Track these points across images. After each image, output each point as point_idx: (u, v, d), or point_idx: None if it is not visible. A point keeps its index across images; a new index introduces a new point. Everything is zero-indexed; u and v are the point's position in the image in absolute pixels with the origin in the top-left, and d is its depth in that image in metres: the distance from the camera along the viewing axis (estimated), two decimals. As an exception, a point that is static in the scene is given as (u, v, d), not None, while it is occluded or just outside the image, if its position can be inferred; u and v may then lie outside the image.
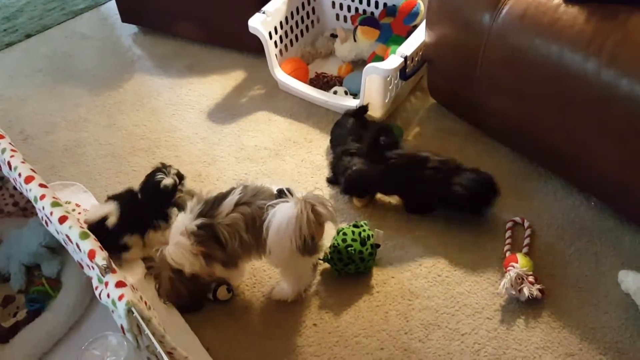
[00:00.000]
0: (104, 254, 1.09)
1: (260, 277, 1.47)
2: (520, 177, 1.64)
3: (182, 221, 1.29)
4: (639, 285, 1.29)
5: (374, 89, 1.72)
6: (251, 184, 1.32)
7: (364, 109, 1.73)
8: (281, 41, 1.98)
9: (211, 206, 1.28)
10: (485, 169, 1.63)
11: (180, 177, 1.54)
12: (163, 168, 1.53)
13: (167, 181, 1.49)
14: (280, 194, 1.26)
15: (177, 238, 1.28)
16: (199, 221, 1.27)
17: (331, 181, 1.69)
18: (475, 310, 1.36)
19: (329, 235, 1.45)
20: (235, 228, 1.26)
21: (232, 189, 1.30)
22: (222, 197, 1.29)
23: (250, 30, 1.87)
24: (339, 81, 1.98)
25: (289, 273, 1.37)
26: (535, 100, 1.50)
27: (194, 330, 1.37)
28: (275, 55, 1.94)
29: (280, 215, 1.20)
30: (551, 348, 1.28)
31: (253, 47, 1.95)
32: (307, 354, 1.31)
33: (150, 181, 1.51)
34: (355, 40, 1.98)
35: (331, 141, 1.76)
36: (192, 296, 1.34)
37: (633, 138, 1.32)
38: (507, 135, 1.69)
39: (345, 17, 2.13)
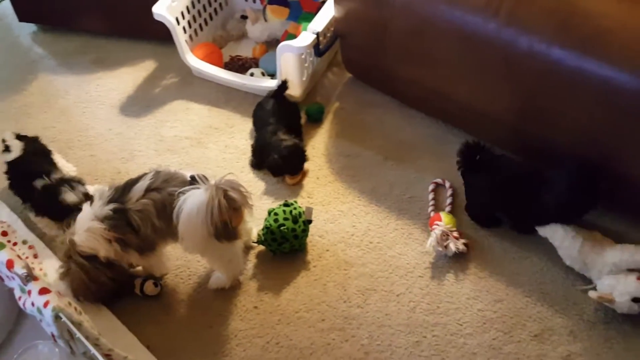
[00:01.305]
0: (23, 262, 1.04)
1: (195, 268, 1.46)
2: (438, 140, 1.71)
3: (90, 210, 1.27)
4: (555, 229, 1.39)
5: (290, 68, 1.73)
6: (164, 169, 1.30)
7: (283, 86, 1.74)
8: (190, 26, 1.94)
9: (121, 192, 1.27)
10: (405, 136, 1.71)
11: (88, 197, 1.45)
12: (70, 182, 1.48)
13: (69, 197, 1.44)
14: (193, 180, 1.24)
15: (87, 224, 1.26)
16: (111, 206, 1.25)
17: (255, 165, 1.69)
18: (408, 270, 1.42)
19: (259, 219, 1.47)
20: (146, 214, 1.25)
21: (144, 174, 1.29)
22: (132, 182, 1.28)
23: (156, 17, 1.82)
24: (254, 63, 1.97)
25: (213, 261, 1.37)
26: (445, 66, 1.57)
27: (132, 330, 1.34)
28: (186, 41, 1.89)
29: (191, 202, 1.19)
30: (480, 297, 1.36)
31: (161, 34, 1.90)
32: (250, 337, 1.33)
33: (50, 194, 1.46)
34: (266, 20, 1.98)
35: (254, 124, 1.75)
36: (111, 283, 1.32)
37: (537, 94, 1.42)
38: (422, 102, 1.75)
39: (255, -2, 2.12)
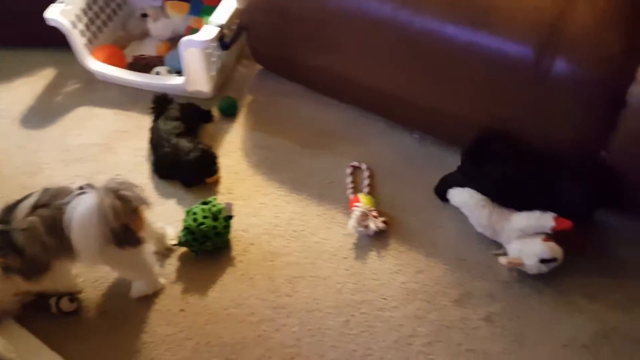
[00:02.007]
0: None
1: (115, 278, 1.41)
2: (353, 125, 1.75)
3: None
4: (464, 198, 1.47)
5: (195, 64, 1.71)
6: (54, 185, 1.23)
7: (163, 98, 1.69)
8: (87, 29, 1.86)
9: (6, 213, 1.19)
10: (320, 124, 1.74)
11: None
12: None
13: None
14: (82, 189, 1.18)
15: None
16: None
17: (165, 176, 1.63)
18: (332, 254, 1.45)
19: (178, 220, 1.45)
20: (32, 232, 1.16)
21: (31, 193, 1.21)
22: (18, 202, 1.20)
23: (49, 22, 1.74)
24: (159, 61, 1.92)
25: (122, 270, 1.34)
26: (349, 51, 1.60)
27: (56, 349, 1.29)
28: (84, 44, 1.82)
29: (80, 209, 1.13)
30: (402, 270, 1.42)
31: (58, 40, 1.81)
32: (179, 340, 1.31)
33: None
34: (167, 17, 1.94)
35: (151, 140, 1.67)
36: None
37: (437, 70, 1.49)
38: (333, 89, 1.78)
39: (153, -6, 2.06)
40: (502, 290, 1.37)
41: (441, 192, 1.55)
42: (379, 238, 1.48)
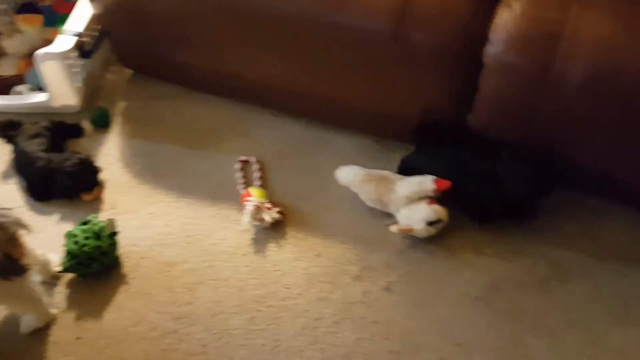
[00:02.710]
0: None
1: (1, 316, 1.33)
2: (235, 119, 1.73)
3: None
4: (352, 177, 1.51)
5: (56, 77, 1.61)
6: None
7: (9, 124, 1.61)
8: None
9: None
10: (202, 122, 1.72)
11: None
12: None
13: None
14: None
15: None
16: None
17: (40, 195, 1.54)
18: (231, 253, 1.44)
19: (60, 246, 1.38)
20: None
21: None
22: None
23: None
24: (20, 80, 1.79)
25: (8, 303, 1.26)
26: (216, 45, 1.59)
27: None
28: None
29: None
30: (302, 257, 1.44)
31: None
32: (79, 370, 1.26)
33: None
34: (20, 32, 1.81)
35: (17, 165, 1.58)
36: None
37: (305, 55, 1.50)
38: (210, 84, 1.75)
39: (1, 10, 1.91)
40: (398, 259, 1.43)
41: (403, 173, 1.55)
42: (276, 229, 1.49)
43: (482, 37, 1.31)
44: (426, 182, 1.45)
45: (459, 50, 1.32)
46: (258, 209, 1.47)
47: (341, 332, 1.31)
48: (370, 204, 1.50)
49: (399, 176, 1.51)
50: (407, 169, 1.51)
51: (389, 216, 1.49)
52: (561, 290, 1.36)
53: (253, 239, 1.47)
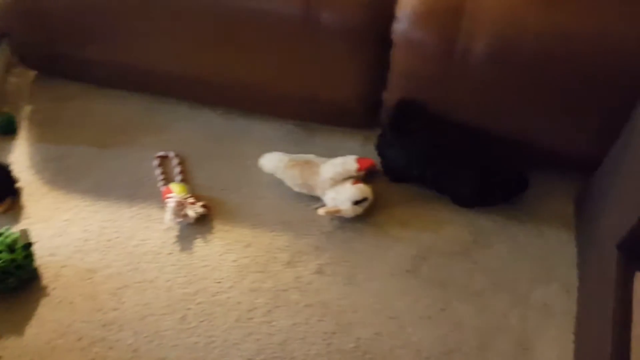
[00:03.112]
0: None
1: None
2: (151, 114, 1.68)
3: None
4: (276, 163, 1.50)
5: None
6: None
7: None
8: None
9: None
10: (116, 119, 1.66)
11: None
12: None
13: None
14: None
15: None
16: None
17: None
18: (156, 253, 1.41)
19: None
20: None
21: None
22: None
23: None
24: None
25: None
26: (122, 37, 1.53)
27: None
28: None
29: None
30: (232, 248, 1.42)
31: None
32: (2, 392, 1.20)
33: None
34: None
35: None
36: None
37: (219, 42, 1.48)
38: (119, 80, 1.69)
39: None
40: (328, 241, 1.44)
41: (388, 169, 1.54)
42: (202, 223, 1.46)
43: (389, 15, 1.33)
44: (349, 162, 1.47)
45: (368, 29, 1.34)
46: (180, 205, 1.44)
47: (276, 320, 1.31)
48: (296, 189, 1.50)
49: (322, 159, 1.52)
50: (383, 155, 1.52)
51: (316, 200, 1.50)
52: (484, 254, 1.42)
53: (178, 237, 1.44)
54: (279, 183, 1.52)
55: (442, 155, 1.45)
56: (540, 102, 1.34)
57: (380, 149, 1.53)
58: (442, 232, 1.46)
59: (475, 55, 1.27)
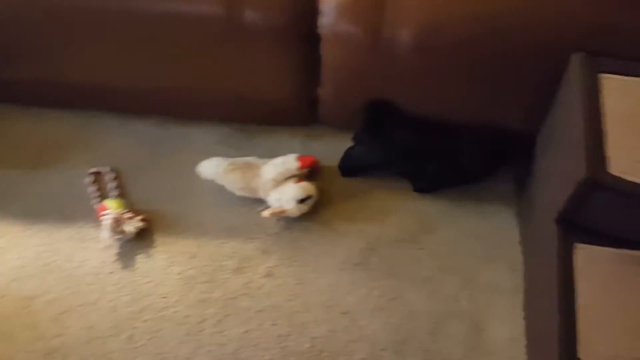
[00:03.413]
0: None
1: None
2: (80, 130, 1.62)
3: None
4: (214, 169, 1.47)
5: None
6: None
7: None
8: None
9: None
10: (41, 140, 1.59)
11: None
12: None
13: None
14: None
15: None
16: None
17: None
18: (96, 274, 1.36)
19: None
20: None
21: None
22: None
23: None
24: None
25: None
26: (38, 51, 1.47)
27: None
28: None
29: None
30: (176, 261, 1.39)
31: None
32: None
33: None
34: None
35: None
36: None
37: (144, 49, 1.43)
38: (41, 97, 1.62)
39: None
40: (275, 242, 1.43)
41: (346, 167, 1.53)
42: (143, 238, 1.42)
43: (313, 10, 1.33)
44: (290, 161, 1.46)
45: (293, 25, 1.33)
46: (117, 221, 1.39)
47: (227, 330, 1.29)
48: (239, 193, 1.48)
49: (263, 160, 1.50)
50: (349, 163, 1.53)
51: (260, 202, 1.48)
52: (431, 240, 1.43)
53: (118, 254, 1.40)
54: (220, 189, 1.49)
55: (421, 148, 1.46)
56: (472, 85, 1.36)
57: (358, 152, 1.52)
58: (388, 221, 1.47)
59: (402, 44, 1.27)
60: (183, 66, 1.47)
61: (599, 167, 1.09)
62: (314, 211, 1.47)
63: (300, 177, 1.47)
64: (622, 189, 1.12)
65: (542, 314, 1.22)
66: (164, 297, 1.33)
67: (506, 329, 1.30)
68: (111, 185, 1.50)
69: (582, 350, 1.09)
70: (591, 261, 1.21)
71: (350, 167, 1.55)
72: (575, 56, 1.25)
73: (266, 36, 1.34)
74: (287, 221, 1.46)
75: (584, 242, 1.22)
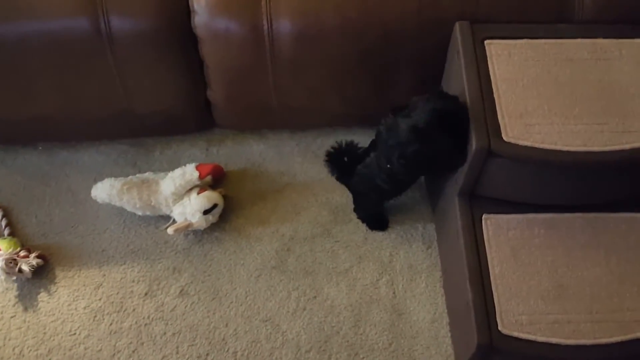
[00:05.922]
0: None
1: None
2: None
3: None
4: (108, 191, 1.46)
5: None
6: None
7: None
8: None
9: None
10: None
11: None
12: None
13: None
14: None
15: None
16: None
17: None
18: (-6, 322, 1.35)
19: None
20: None
21: None
22: None
23: None
24: None
25: None
26: None
27: None
28: None
29: None
30: (81, 294, 1.38)
31: None
32: None
33: None
34: None
35: None
36: None
37: (16, 76, 1.40)
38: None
39: None
40: (185, 259, 1.44)
41: (370, 217, 1.51)
42: (42, 275, 1.41)
43: (185, 10, 1.33)
44: (189, 172, 1.47)
45: (166, 28, 1.32)
46: (12, 261, 1.37)
47: (143, 358, 1.29)
48: (140, 212, 1.48)
49: (161, 174, 1.50)
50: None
51: (165, 219, 1.48)
52: (345, 230, 1.48)
53: (18, 296, 1.38)
54: (120, 211, 1.48)
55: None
56: (361, 70, 1.40)
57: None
58: (301, 219, 1.50)
59: (283, 36, 1.30)
60: (57, 88, 1.44)
61: (492, 136, 1.15)
62: (224, 219, 1.49)
63: (204, 186, 1.48)
64: (517, 155, 1.19)
65: (458, 289, 1.28)
66: (72, 334, 1.32)
67: (427, 308, 1.37)
68: (1, 223, 1.47)
69: (501, 320, 1.16)
70: (500, 230, 1.29)
71: (373, 215, 1.51)
72: (458, 25, 1.31)
73: (139, 43, 1.33)
74: (196, 234, 1.47)
75: (491, 212, 1.30)
